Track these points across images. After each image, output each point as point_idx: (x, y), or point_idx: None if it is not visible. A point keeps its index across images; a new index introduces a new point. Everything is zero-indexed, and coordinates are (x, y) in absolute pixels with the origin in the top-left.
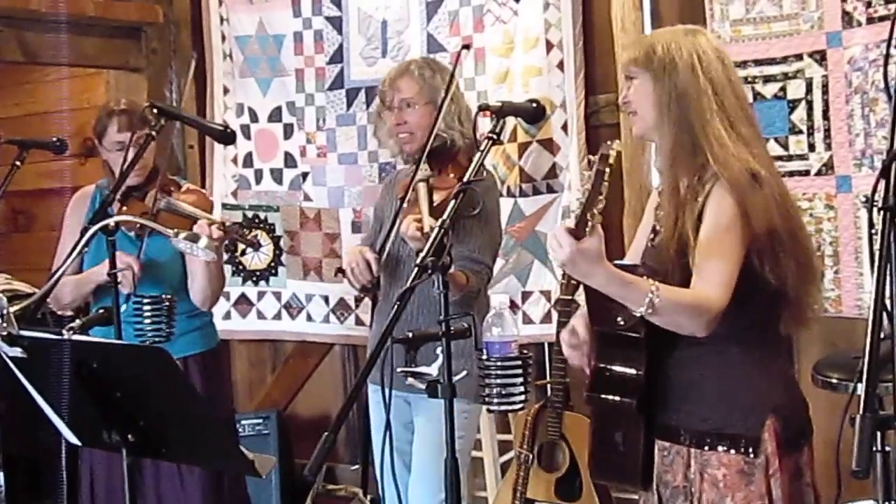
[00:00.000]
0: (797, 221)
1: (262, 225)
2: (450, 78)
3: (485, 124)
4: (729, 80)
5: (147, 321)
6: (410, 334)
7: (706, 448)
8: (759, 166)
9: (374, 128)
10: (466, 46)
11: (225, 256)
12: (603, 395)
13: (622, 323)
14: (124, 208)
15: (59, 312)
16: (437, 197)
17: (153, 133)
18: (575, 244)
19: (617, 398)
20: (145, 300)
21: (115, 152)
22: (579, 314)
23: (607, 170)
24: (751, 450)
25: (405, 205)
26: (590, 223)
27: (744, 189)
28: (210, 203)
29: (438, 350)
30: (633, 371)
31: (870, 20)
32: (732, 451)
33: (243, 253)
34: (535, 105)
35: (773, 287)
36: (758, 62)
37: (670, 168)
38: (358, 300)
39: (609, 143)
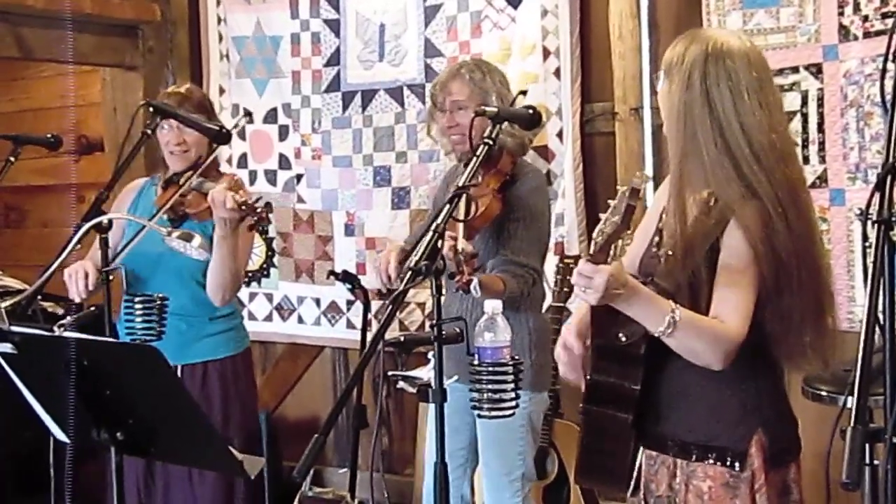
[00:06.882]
0: (820, 259)
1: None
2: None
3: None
4: (747, 106)
5: (138, 320)
6: (402, 338)
7: (692, 459)
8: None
9: (427, 126)
10: (523, 92)
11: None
12: (597, 408)
13: (623, 339)
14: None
15: (51, 310)
16: (477, 207)
17: (148, 132)
18: (607, 269)
19: (611, 412)
20: (136, 299)
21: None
22: (571, 325)
23: (636, 204)
24: (737, 463)
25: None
26: (612, 254)
27: (762, 226)
28: (239, 186)
29: (430, 355)
30: (629, 386)
31: (866, 34)
32: (718, 464)
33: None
34: (531, 112)
35: (778, 317)
36: None
37: (677, 182)
38: (349, 303)
39: (639, 174)
